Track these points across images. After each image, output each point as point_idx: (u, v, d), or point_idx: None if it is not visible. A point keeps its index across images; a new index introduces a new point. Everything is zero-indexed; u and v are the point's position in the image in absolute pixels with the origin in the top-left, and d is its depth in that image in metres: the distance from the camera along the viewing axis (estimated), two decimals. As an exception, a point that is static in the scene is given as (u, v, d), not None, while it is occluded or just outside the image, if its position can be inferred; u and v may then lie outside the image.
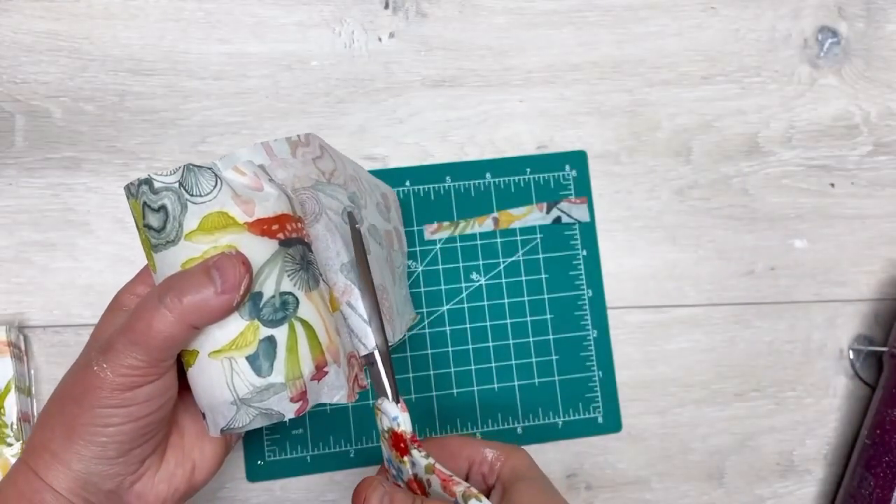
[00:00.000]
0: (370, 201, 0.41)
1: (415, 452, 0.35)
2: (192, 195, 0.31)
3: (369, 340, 0.36)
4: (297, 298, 0.32)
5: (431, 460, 0.35)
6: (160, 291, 0.31)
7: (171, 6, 0.49)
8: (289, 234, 0.33)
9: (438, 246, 0.49)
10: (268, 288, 0.32)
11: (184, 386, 0.34)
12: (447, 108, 0.50)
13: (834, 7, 0.53)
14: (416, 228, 0.49)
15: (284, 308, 0.32)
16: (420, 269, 0.49)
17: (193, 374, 0.33)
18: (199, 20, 0.49)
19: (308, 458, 0.47)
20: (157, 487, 0.34)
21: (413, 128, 0.50)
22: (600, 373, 0.49)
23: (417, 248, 0.49)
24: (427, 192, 0.49)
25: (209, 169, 0.32)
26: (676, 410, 0.50)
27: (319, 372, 0.33)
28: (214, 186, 0.32)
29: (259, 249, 0.32)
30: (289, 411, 0.32)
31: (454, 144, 0.50)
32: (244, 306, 0.31)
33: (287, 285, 0.32)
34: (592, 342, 0.49)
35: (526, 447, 0.38)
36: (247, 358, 0.31)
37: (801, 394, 0.51)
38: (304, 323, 0.33)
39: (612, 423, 0.49)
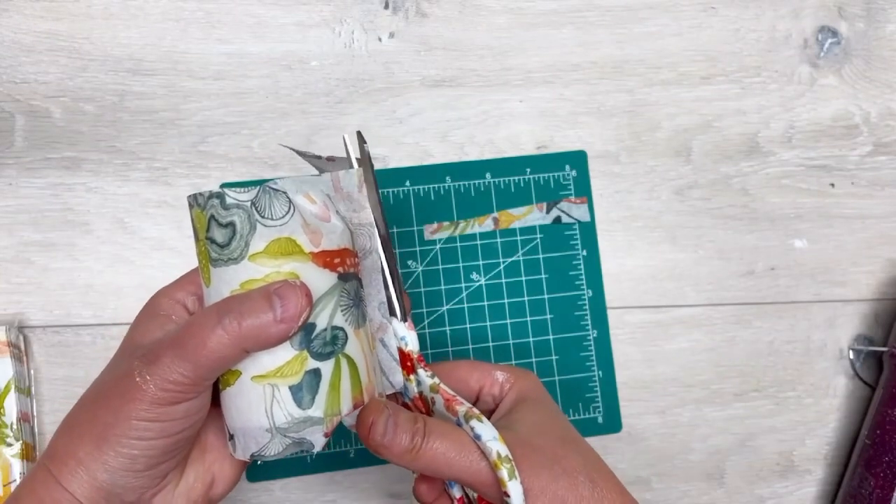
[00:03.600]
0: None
1: (420, 372, 0.35)
2: (263, 217, 0.31)
3: (396, 379, 0.36)
4: (346, 334, 0.32)
5: (436, 380, 0.35)
6: (219, 311, 0.30)
7: (171, 6, 0.49)
8: (347, 268, 0.33)
9: (438, 246, 0.49)
10: (321, 320, 0.32)
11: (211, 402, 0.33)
12: (447, 108, 0.50)
13: (834, 7, 0.53)
14: (416, 228, 0.49)
15: (334, 342, 0.32)
16: (420, 269, 0.49)
17: (230, 394, 0.32)
18: (199, 20, 0.49)
19: (308, 458, 0.47)
20: (175, 501, 0.33)
21: (413, 128, 0.50)
22: (600, 373, 0.49)
23: (417, 248, 0.49)
24: (427, 192, 0.49)
25: (284, 193, 0.32)
26: (676, 410, 0.50)
27: (355, 410, 0.33)
28: (287, 212, 0.32)
29: (319, 281, 0.32)
30: (319, 444, 0.32)
31: (454, 144, 0.50)
32: (296, 336, 0.31)
33: (339, 320, 0.32)
34: (592, 342, 0.49)
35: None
36: (290, 388, 0.31)
37: (801, 394, 0.51)
38: (350, 360, 0.32)
39: (612, 423, 0.49)
